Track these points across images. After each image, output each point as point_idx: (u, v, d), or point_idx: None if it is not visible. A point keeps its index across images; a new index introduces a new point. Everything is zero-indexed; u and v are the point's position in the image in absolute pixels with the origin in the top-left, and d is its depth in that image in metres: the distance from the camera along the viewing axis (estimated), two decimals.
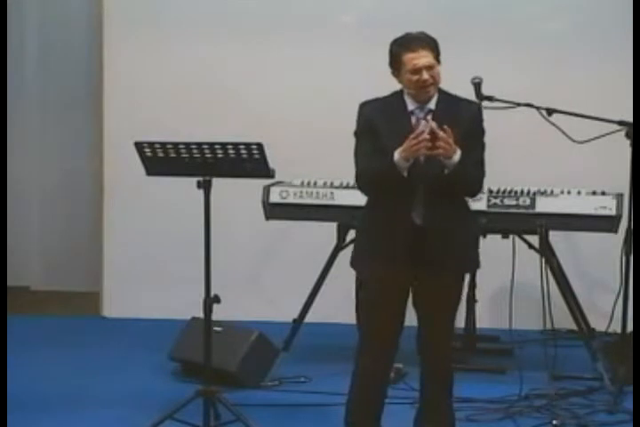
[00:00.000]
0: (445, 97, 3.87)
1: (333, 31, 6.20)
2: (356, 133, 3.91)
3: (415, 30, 3.86)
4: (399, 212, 3.81)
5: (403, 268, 3.82)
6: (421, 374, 4.07)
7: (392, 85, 3.90)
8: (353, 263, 4.00)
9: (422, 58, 3.76)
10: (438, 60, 3.82)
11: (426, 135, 3.67)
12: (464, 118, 3.82)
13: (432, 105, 3.84)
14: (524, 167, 5.92)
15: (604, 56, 6.01)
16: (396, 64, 3.81)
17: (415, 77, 3.77)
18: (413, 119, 3.83)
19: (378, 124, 3.83)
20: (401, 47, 3.79)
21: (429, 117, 3.80)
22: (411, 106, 3.84)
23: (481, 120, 3.90)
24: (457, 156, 3.72)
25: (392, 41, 3.84)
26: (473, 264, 4.02)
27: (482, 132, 3.90)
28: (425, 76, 3.76)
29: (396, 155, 3.71)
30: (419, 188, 3.78)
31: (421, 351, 4.01)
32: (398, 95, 3.88)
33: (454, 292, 3.96)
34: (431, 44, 3.80)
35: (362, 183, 3.92)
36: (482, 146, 3.90)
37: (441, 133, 3.66)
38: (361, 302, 3.97)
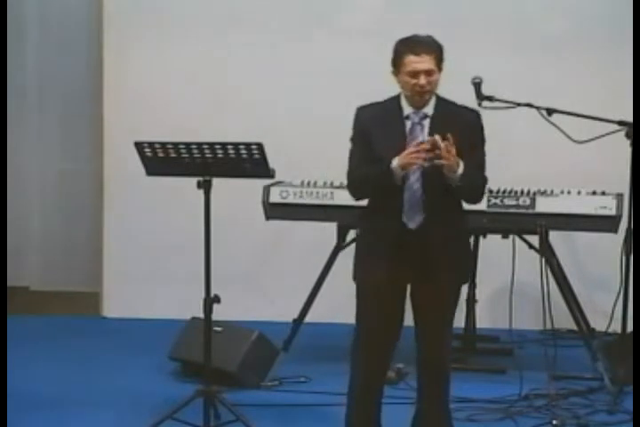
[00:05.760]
0: (443, 103, 3.85)
1: (336, 32, 6.19)
2: (352, 140, 3.91)
3: (415, 30, 3.85)
4: (391, 216, 3.80)
5: (396, 270, 3.82)
6: (418, 377, 4.07)
7: (393, 87, 3.88)
8: (355, 274, 3.99)
9: (423, 62, 3.72)
10: (440, 67, 3.78)
11: (426, 146, 3.66)
12: (462, 125, 3.79)
13: (429, 110, 3.82)
14: (524, 167, 5.93)
15: (604, 56, 6.01)
16: (397, 64, 3.79)
17: (413, 81, 3.75)
18: (409, 124, 3.82)
19: (372, 130, 3.82)
20: (405, 48, 3.76)
21: (425, 122, 3.79)
22: (407, 110, 3.83)
23: (481, 128, 3.88)
24: (460, 169, 3.71)
25: (398, 40, 3.81)
26: (466, 275, 4.01)
27: (482, 139, 3.88)
28: (422, 81, 3.73)
29: (394, 162, 3.71)
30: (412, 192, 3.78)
31: (419, 355, 4.01)
32: (395, 100, 3.87)
33: (451, 297, 3.94)
34: (436, 50, 3.77)
35: (353, 190, 3.94)
36: (482, 153, 3.89)
37: (443, 144, 3.63)
38: (357, 306, 3.98)
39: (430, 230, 3.79)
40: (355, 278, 3.98)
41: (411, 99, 3.81)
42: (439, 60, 3.77)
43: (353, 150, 3.91)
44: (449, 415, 4.10)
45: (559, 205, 4.98)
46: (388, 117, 3.83)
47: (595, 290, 5.97)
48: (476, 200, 3.98)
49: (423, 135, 3.79)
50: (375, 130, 3.82)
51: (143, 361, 5.46)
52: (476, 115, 3.90)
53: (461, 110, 3.89)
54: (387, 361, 4.03)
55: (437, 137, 3.67)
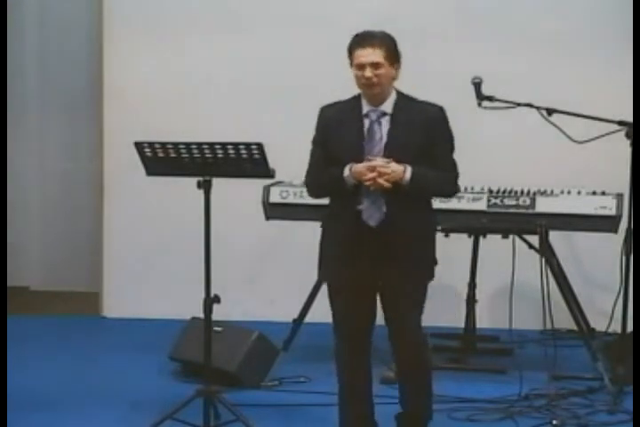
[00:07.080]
0: (404, 99, 3.85)
1: (335, 31, 6.15)
2: (313, 140, 3.95)
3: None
4: (352, 214, 3.82)
5: (360, 269, 3.84)
6: (399, 378, 4.12)
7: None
8: (320, 274, 4.04)
9: (368, 55, 3.75)
10: (392, 62, 3.79)
11: (387, 170, 3.70)
12: (423, 121, 3.80)
13: (387, 108, 3.83)
14: (524, 167, 5.92)
15: (604, 56, 6.02)
16: (349, 58, 3.84)
17: (359, 73, 3.78)
18: (367, 122, 3.83)
19: (331, 129, 3.85)
20: (354, 43, 3.82)
21: (384, 120, 3.81)
22: (365, 108, 3.84)
23: (446, 122, 3.86)
24: (407, 173, 3.73)
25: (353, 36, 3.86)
26: (432, 272, 3.96)
27: (447, 133, 3.87)
28: (367, 73, 3.75)
29: (347, 172, 3.75)
30: (370, 191, 3.79)
31: (394, 352, 4.03)
32: (357, 98, 3.89)
33: (416, 296, 3.93)
34: (385, 44, 3.78)
35: (310, 191, 4.03)
36: (448, 147, 3.88)
37: (379, 169, 3.68)
38: (331, 307, 3.99)
39: (391, 228, 3.79)
40: (320, 279, 4.01)
41: (364, 94, 3.83)
42: (390, 54, 3.78)
43: (312, 152, 3.95)
44: (430, 414, 4.12)
45: (559, 205, 4.98)
46: (348, 116, 3.85)
47: (595, 290, 5.97)
48: (447, 195, 4.08)
49: (381, 133, 3.80)
50: (334, 128, 3.84)
51: (143, 361, 5.46)
52: (439, 109, 3.87)
53: (422, 106, 3.86)
54: (366, 359, 4.03)
55: (377, 162, 3.70)
